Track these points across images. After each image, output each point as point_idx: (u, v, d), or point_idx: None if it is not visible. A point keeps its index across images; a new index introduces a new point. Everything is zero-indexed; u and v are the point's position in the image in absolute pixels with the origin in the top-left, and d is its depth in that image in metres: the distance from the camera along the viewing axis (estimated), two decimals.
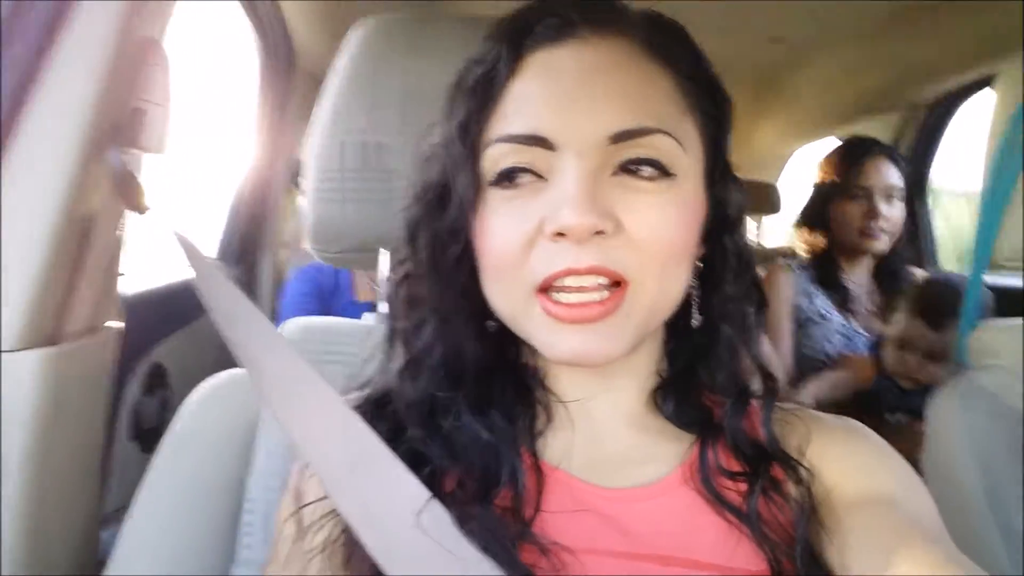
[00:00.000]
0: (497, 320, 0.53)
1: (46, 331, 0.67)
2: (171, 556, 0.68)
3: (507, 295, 0.49)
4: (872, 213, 1.59)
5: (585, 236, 0.44)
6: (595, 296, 0.45)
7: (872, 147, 1.66)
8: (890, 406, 1.42)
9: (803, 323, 1.65)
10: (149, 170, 0.77)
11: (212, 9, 1.48)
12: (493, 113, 0.49)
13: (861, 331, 1.61)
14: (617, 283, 0.46)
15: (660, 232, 0.46)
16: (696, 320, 0.53)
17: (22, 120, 0.62)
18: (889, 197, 1.61)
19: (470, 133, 0.49)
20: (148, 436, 1.17)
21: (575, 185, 0.45)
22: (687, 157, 0.48)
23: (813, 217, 1.71)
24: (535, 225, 0.46)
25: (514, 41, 0.49)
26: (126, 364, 1.12)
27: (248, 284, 1.91)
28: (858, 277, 1.68)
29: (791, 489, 0.50)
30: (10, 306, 0.64)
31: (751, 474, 0.49)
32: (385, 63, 0.73)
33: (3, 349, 0.64)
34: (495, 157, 0.48)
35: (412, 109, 0.56)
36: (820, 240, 1.69)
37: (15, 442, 0.65)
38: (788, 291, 1.68)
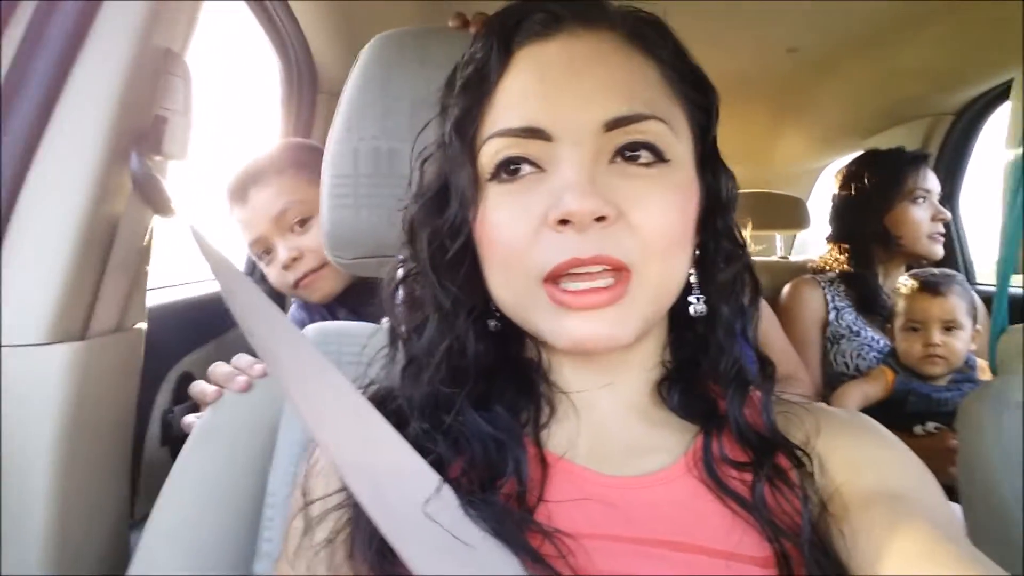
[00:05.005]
0: (499, 318, 0.54)
1: (74, 327, 0.69)
2: (195, 548, 0.70)
3: (513, 286, 0.49)
4: (941, 214, 1.59)
5: (588, 221, 0.45)
6: (601, 283, 0.46)
7: (918, 153, 1.66)
8: (916, 412, 1.39)
9: (835, 339, 1.62)
10: (177, 179, 0.80)
11: (234, 31, 1.52)
12: (487, 109, 0.50)
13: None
14: (621, 270, 0.46)
15: (661, 218, 0.47)
16: (698, 308, 0.53)
17: (48, 125, 0.65)
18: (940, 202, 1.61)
19: (466, 131, 0.50)
20: (178, 443, 1.20)
21: (575, 172, 0.46)
22: (679, 143, 0.49)
23: (861, 226, 1.66)
24: (539, 215, 0.47)
25: (503, 38, 0.50)
26: (157, 373, 1.15)
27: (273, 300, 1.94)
28: (891, 288, 1.65)
29: (797, 478, 0.49)
30: (39, 302, 0.66)
31: (755, 462, 0.49)
32: (396, 72, 0.75)
33: (33, 343, 0.66)
34: (492, 152, 0.49)
35: (420, 115, 0.58)
36: (860, 252, 1.66)
37: (44, 435, 0.67)
38: (816, 305, 1.65)
